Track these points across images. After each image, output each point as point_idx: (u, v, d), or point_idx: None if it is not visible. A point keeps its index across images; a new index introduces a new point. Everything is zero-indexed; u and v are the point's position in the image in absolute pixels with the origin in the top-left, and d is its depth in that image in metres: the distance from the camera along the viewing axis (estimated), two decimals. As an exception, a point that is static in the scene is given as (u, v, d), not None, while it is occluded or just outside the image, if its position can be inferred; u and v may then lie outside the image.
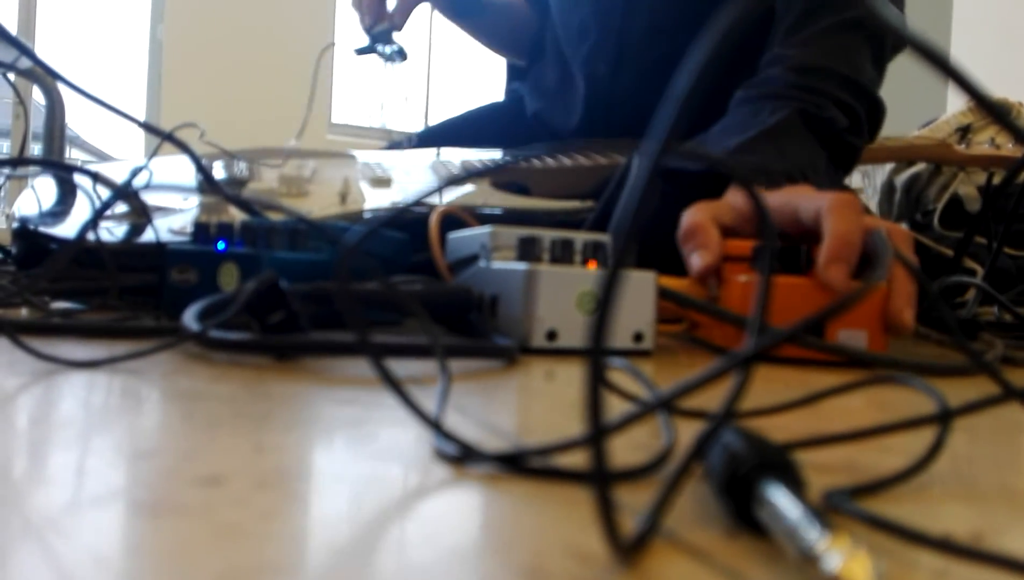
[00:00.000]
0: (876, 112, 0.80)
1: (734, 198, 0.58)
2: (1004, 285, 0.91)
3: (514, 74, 1.18)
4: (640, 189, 0.17)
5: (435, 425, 0.24)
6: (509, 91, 1.19)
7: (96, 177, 0.57)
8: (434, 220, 0.58)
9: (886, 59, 0.83)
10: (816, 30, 0.80)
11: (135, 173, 0.58)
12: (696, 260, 0.55)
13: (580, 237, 0.50)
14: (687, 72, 0.17)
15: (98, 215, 0.52)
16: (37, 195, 0.75)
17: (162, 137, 0.56)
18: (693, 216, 0.56)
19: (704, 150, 0.73)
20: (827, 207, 0.52)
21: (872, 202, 1.27)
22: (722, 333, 0.54)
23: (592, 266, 0.50)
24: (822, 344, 0.49)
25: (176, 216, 0.68)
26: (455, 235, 0.57)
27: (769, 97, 0.77)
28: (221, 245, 0.52)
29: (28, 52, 0.58)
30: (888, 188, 1.26)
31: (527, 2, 1.13)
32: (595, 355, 0.16)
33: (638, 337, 0.49)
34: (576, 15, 1.01)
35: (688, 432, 0.21)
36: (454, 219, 0.62)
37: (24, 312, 0.53)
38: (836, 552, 0.14)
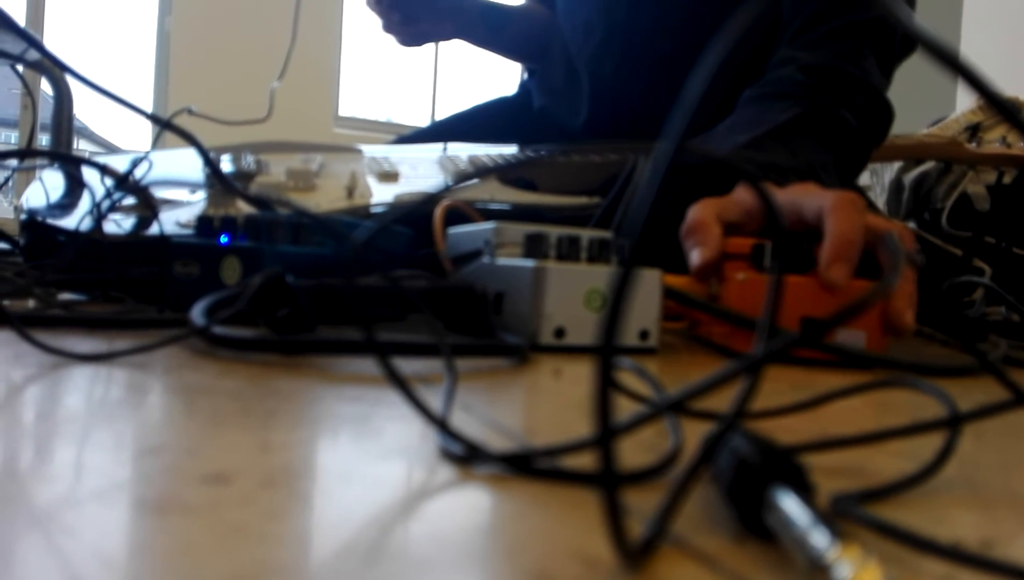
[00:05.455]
0: (885, 116, 0.80)
1: (741, 194, 0.57)
2: (1013, 285, 0.91)
3: (532, 70, 1.18)
4: (653, 190, 0.17)
5: (441, 424, 0.24)
6: (521, 84, 1.18)
7: (104, 169, 0.57)
8: (438, 214, 0.58)
9: (894, 64, 0.82)
10: (825, 33, 0.80)
11: (136, 163, 0.58)
12: (695, 257, 0.55)
13: (586, 234, 0.50)
14: (700, 74, 0.17)
15: (106, 211, 0.52)
16: (45, 187, 0.75)
17: (168, 129, 0.56)
18: (696, 212, 0.56)
19: (713, 147, 0.72)
20: (829, 206, 0.51)
21: (880, 200, 1.27)
22: (722, 331, 0.54)
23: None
24: (827, 345, 0.49)
25: (183, 209, 0.68)
26: (457, 230, 0.57)
27: (780, 96, 0.77)
28: (224, 239, 0.52)
29: (36, 44, 0.58)
30: (896, 186, 1.25)
31: (542, 3, 1.12)
32: (605, 354, 0.16)
33: (643, 335, 0.49)
34: (582, 13, 1.01)
35: (695, 433, 0.21)
36: (458, 213, 0.61)
37: (31, 304, 0.53)
38: (847, 562, 0.14)
